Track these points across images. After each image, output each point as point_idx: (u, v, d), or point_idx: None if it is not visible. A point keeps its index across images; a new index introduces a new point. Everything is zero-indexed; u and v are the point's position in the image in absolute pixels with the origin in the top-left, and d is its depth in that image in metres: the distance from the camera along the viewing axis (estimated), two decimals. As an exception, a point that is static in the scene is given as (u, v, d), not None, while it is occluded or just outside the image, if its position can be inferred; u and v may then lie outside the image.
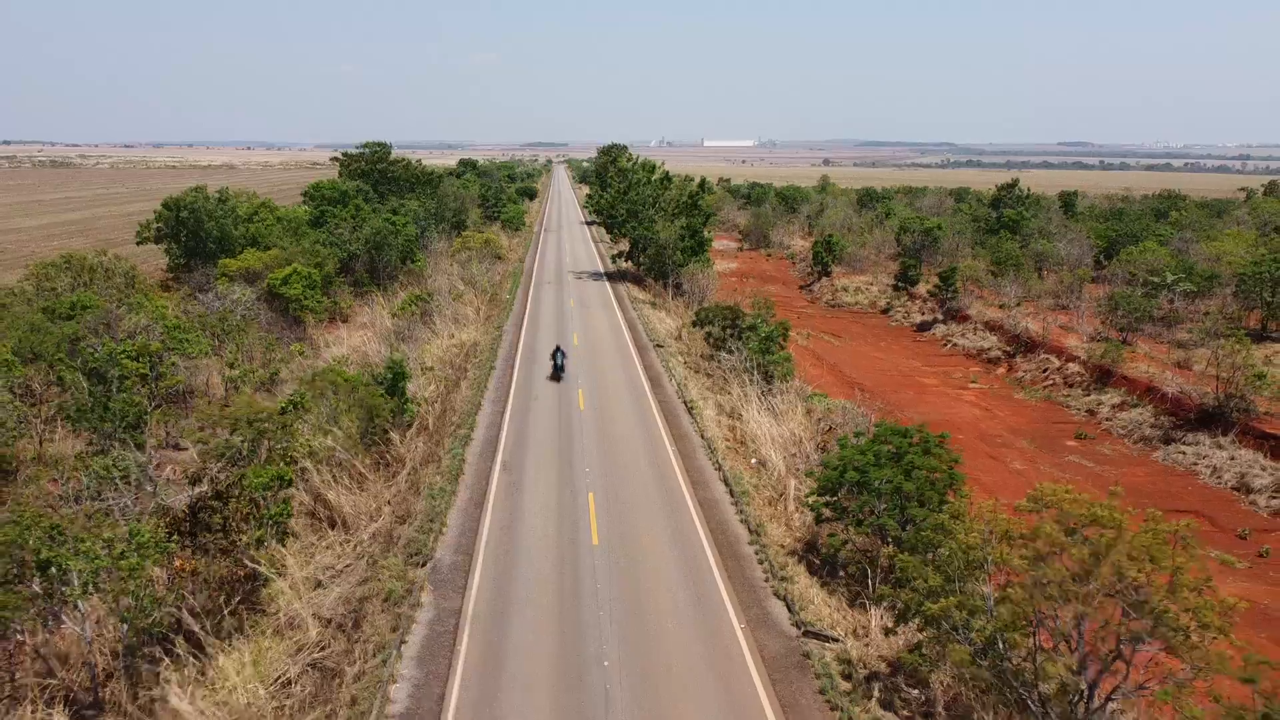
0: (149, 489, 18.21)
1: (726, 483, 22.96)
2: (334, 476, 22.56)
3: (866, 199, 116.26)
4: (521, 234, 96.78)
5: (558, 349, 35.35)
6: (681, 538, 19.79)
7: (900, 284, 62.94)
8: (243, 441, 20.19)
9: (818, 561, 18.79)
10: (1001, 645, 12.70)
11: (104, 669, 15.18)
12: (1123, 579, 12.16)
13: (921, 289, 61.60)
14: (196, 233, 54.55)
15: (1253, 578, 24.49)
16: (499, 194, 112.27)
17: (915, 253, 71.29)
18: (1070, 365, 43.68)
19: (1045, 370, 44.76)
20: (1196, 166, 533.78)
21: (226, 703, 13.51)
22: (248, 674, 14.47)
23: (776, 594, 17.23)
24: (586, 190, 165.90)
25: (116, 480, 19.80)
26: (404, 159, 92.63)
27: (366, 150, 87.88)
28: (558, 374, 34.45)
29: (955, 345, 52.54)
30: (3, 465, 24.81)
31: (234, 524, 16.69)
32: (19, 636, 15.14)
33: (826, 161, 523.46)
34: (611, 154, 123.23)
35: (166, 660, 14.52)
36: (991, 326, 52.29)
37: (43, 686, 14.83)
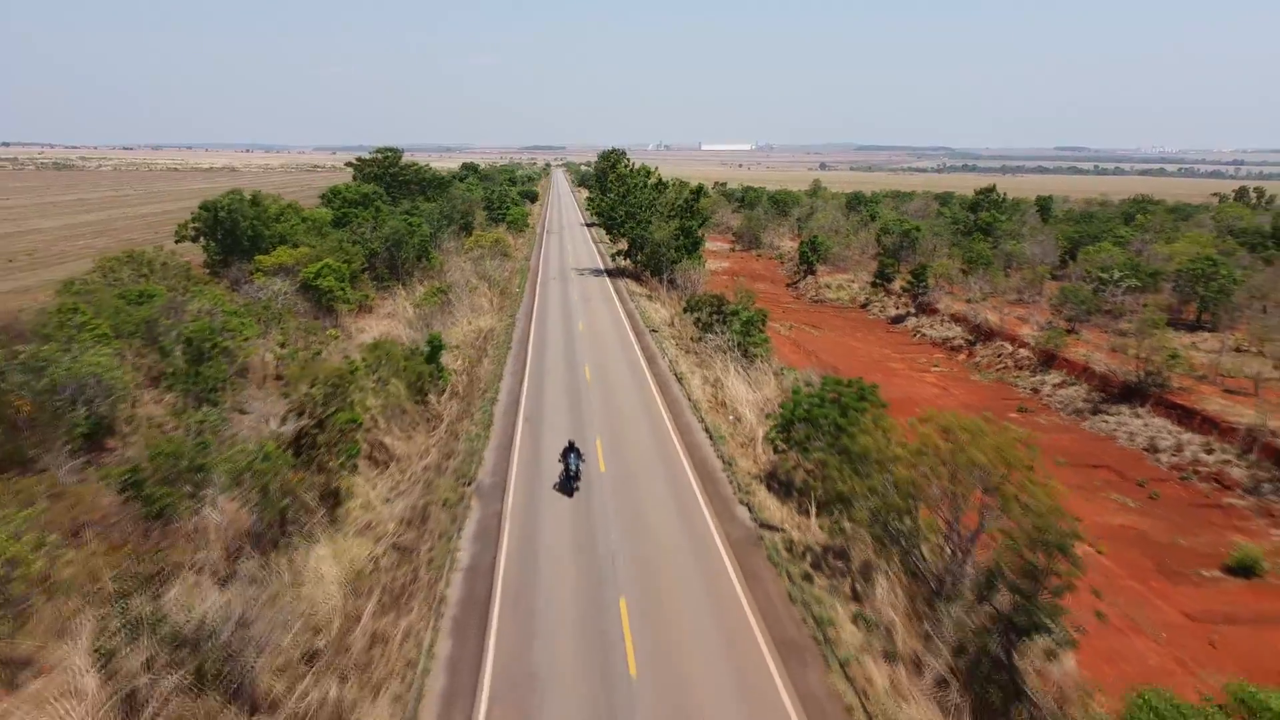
0: (270, 424, 23.34)
1: (708, 431, 28.24)
2: (388, 426, 27.76)
3: (854, 202, 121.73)
4: (525, 235, 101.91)
5: (571, 447, 23.40)
6: (670, 467, 25.09)
7: (878, 281, 68.27)
8: (320, 393, 25.35)
9: (777, 485, 24.01)
10: (894, 516, 17.92)
11: (236, 550, 20.31)
12: (976, 465, 17.39)
13: (897, 285, 66.91)
14: (232, 231, 59.61)
15: (1141, 514, 29.81)
16: (503, 197, 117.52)
17: (894, 253, 76.59)
18: (1021, 351, 49.02)
19: (1000, 355, 50.08)
20: (1190, 171, 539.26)
21: (338, 562, 18.69)
22: (348, 550, 19.68)
23: (741, 502, 22.52)
24: (586, 194, 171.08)
25: (207, 431, 24.98)
26: (414, 163, 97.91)
27: (379, 155, 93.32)
28: (570, 484, 23.14)
29: (924, 335, 57.84)
30: (110, 424, 29.99)
31: (327, 448, 21.88)
32: (175, 523, 20.27)
33: (823, 165, 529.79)
34: (611, 159, 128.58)
35: (287, 540, 19.70)
36: (957, 318, 57.61)
37: (191, 561, 19.96)
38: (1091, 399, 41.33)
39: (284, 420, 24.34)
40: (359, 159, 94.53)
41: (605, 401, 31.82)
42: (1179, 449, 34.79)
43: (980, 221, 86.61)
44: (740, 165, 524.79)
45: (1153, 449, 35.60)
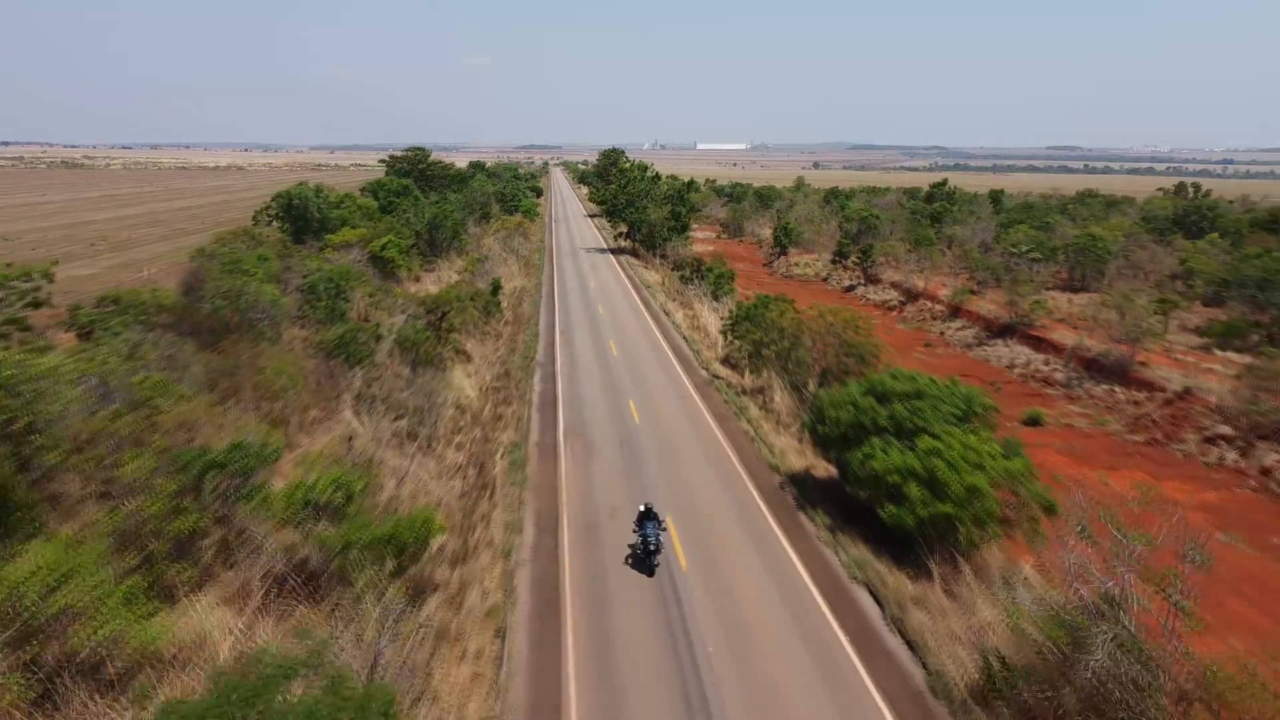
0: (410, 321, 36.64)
1: (685, 338, 41.88)
2: (469, 335, 41.12)
3: (831, 196, 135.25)
4: (536, 223, 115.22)
5: (648, 513, 19.63)
6: (658, 353, 38.73)
7: (836, 259, 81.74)
8: (433, 304, 38.72)
9: (728, 364, 37.46)
10: (788, 359, 31.28)
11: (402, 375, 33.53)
12: (832, 326, 30.76)
13: (851, 262, 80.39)
14: (303, 215, 72.75)
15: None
16: (515, 191, 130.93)
17: (855, 237, 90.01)
18: (937, 306, 62.52)
19: (922, 311, 63.58)
20: (1179, 170, 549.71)
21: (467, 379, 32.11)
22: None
23: (703, 368, 36.08)
24: (586, 191, 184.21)
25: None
26: (440, 161, 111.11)
27: (410, 153, 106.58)
28: (649, 559, 19.32)
29: (868, 299, 71.27)
30: (274, 338, 43.22)
31: (446, 333, 35.29)
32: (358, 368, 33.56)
33: (817, 165, 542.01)
34: (612, 157, 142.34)
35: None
36: (895, 285, 71.11)
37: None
38: (979, 337, 54.85)
39: (416, 317, 37.76)
40: (392, 156, 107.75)
41: (615, 324, 45.45)
42: (1028, 364, 48.24)
43: (933, 211, 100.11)
44: (734, 164, 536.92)
45: (1011, 365, 49.06)
